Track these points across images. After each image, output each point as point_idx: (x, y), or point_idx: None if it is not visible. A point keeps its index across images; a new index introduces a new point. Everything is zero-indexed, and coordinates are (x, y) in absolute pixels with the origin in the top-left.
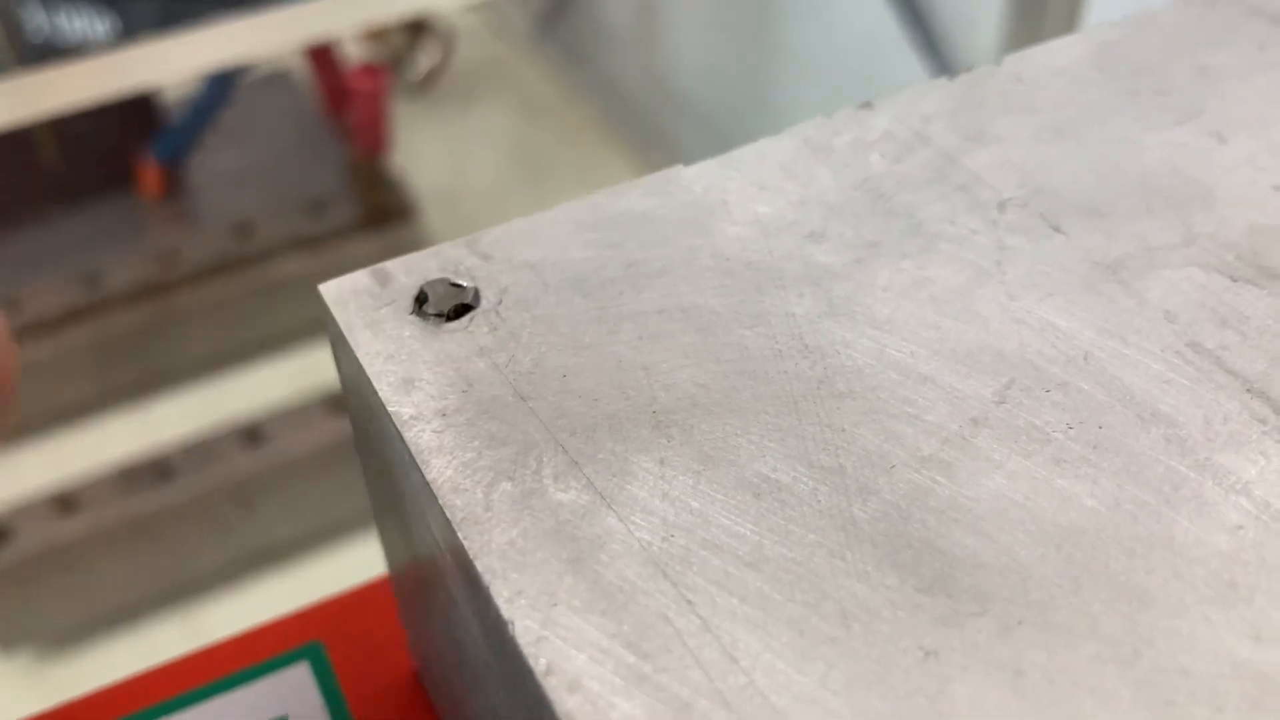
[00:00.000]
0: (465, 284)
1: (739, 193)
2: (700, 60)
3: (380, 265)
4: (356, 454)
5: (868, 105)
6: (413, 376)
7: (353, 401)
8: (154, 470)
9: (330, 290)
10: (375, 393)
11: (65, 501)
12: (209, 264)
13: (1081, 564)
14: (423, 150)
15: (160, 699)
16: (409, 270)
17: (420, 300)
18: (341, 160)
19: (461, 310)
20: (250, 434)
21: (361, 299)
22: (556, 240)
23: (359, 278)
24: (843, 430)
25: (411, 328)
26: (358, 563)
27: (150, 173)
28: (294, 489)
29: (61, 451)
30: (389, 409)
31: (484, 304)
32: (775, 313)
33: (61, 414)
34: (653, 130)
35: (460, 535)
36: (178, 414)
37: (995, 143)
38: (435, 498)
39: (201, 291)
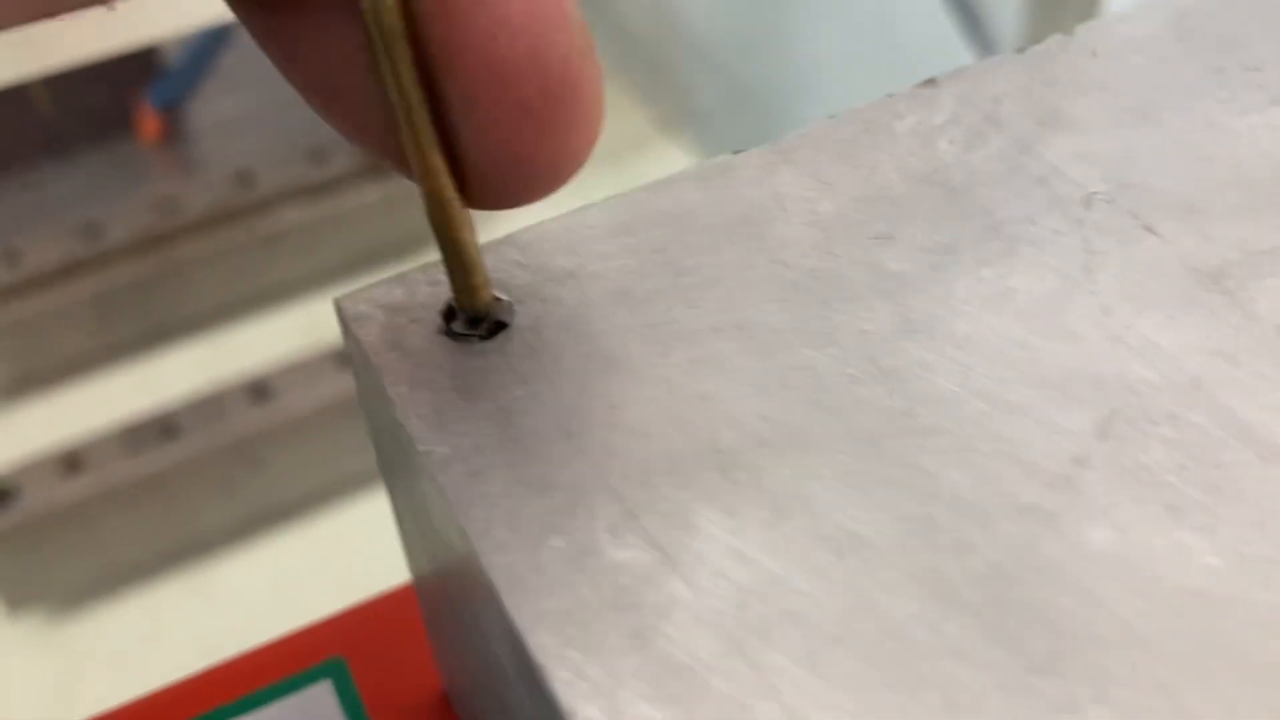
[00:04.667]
0: (501, 296)
1: (795, 186)
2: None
3: (403, 273)
4: (379, 472)
5: (931, 83)
6: (444, 407)
7: (375, 426)
8: (160, 427)
9: (349, 304)
10: (403, 425)
11: (70, 460)
12: (210, 213)
13: (1208, 637)
14: None
15: None
16: (435, 279)
17: (449, 316)
18: None
19: (496, 328)
20: (257, 390)
21: (384, 314)
22: (595, 245)
23: (380, 289)
24: (931, 473)
25: (442, 349)
26: (368, 518)
27: (148, 119)
28: (303, 445)
29: (65, 408)
30: (419, 447)
31: (519, 320)
32: (845, 330)
33: (64, 369)
34: (662, 73)
35: (507, 604)
36: (182, 369)
37: (1073, 128)
38: (477, 555)
39: (203, 242)
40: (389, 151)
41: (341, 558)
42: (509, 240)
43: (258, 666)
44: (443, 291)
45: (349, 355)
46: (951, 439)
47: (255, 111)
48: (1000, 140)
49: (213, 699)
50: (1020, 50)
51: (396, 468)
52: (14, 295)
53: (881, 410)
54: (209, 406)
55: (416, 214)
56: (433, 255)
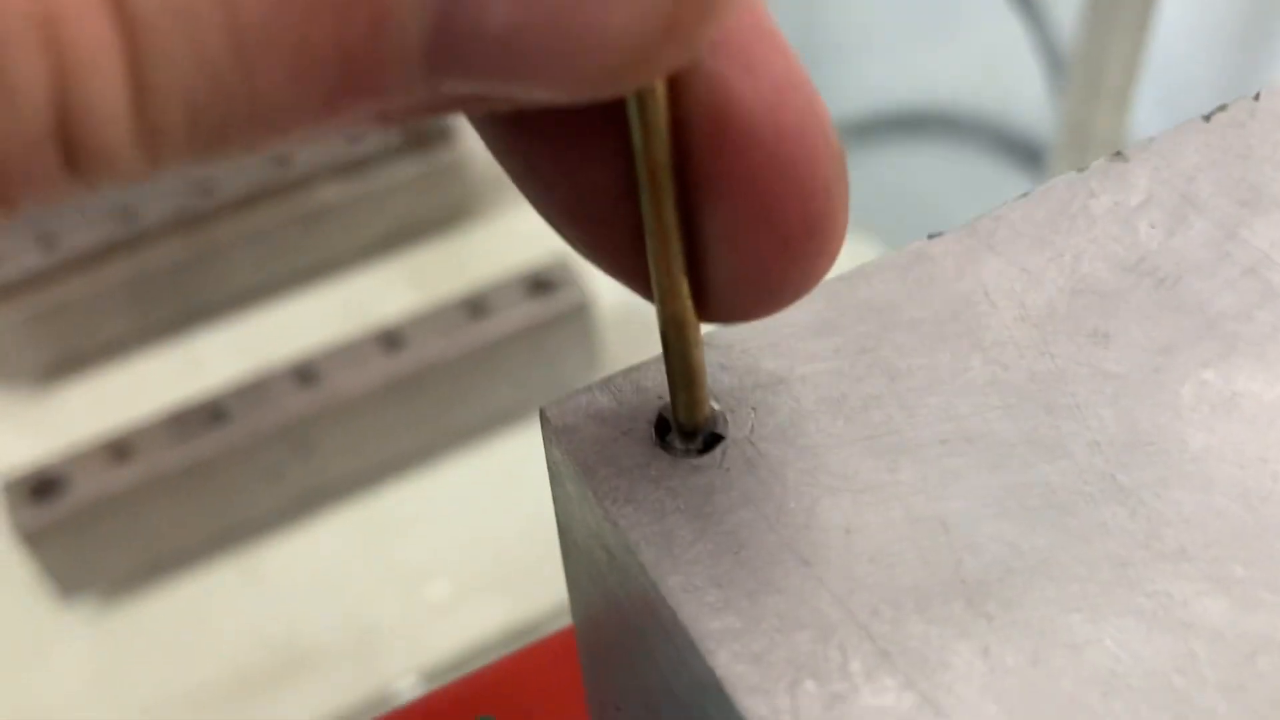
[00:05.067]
0: (715, 406)
1: (999, 275)
2: None
3: (609, 378)
4: (561, 557)
5: (1120, 156)
6: (672, 533)
7: (579, 534)
8: (207, 413)
9: (556, 415)
10: (630, 551)
11: (118, 449)
12: (246, 192)
13: None
14: None
15: None
16: (640, 384)
17: (662, 427)
18: None
19: (712, 440)
20: (303, 373)
21: (594, 424)
22: (800, 344)
23: (585, 397)
24: (1185, 604)
25: (657, 465)
26: (419, 501)
27: None
28: (351, 428)
29: (109, 395)
30: (651, 576)
31: (734, 432)
32: (1076, 441)
33: (105, 355)
34: None
35: None
36: (224, 351)
37: (1275, 208)
38: (729, 700)
39: (240, 221)
40: (628, 270)
41: (392, 540)
42: (709, 341)
43: None
44: (650, 399)
45: (551, 460)
46: (1202, 566)
47: None
48: (1202, 223)
49: None
50: (1206, 118)
51: (604, 571)
52: (52, 280)
53: (1126, 533)
54: (255, 391)
55: (457, 188)
56: (481, 233)
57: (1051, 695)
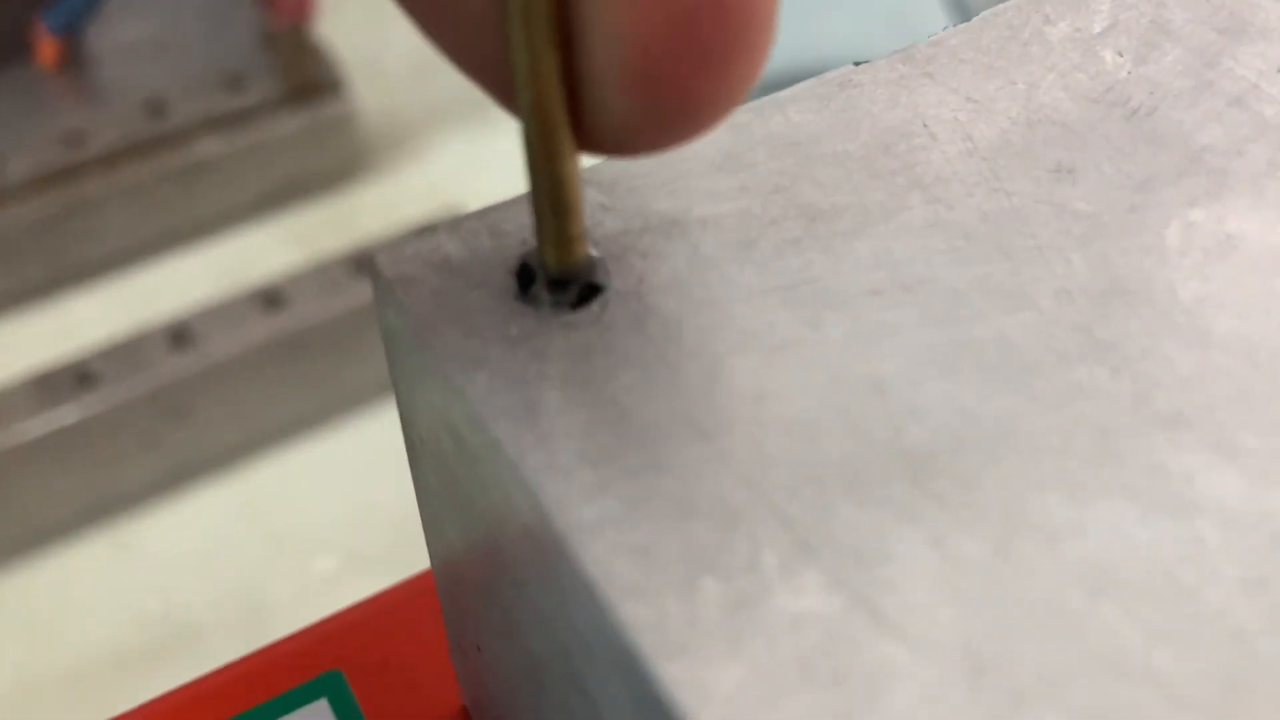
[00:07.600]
0: (592, 252)
1: (939, 105)
2: None
3: (458, 218)
4: (409, 462)
5: None
6: (536, 402)
7: (423, 416)
8: (74, 376)
9: (390, 263)
10: (483, 429)
11: None
12: (119, 145)
13: None
14: (346, 16)
15: None
16: (498, 228)
17: (524, 277)
18: (259, 29)
19: (588, 293)
20: (177, 335)
21: (438, 275)
22: (701, 181)
23: (428, 243)
24: (1188, 479)
25: (519, 322)
26: (299, 469)
27: (45, 44)
28: (228, 393)
29: None
30: (508, 454)
31: (617, 281)
32: (1041, 289)
33: None
34: None
35: (658, 676)
36: (95, 313)
37: (1261, 38)
38: (603, 605)
39: (112, 176)
40: (482, 63)
41: (276, 511)
42: (588, 177)
43: (240, 681)
44: (510, 244)
45: (386, 326)
46: (1202, 432)
47: (163, 34)
48: (1178, 51)
49: None
50: None
51: (452, 467)
52: None
53: (1108, 396)
54: (126, 353)
55: (342, 143)
56: (369, 189)
57: (1024, 594)
